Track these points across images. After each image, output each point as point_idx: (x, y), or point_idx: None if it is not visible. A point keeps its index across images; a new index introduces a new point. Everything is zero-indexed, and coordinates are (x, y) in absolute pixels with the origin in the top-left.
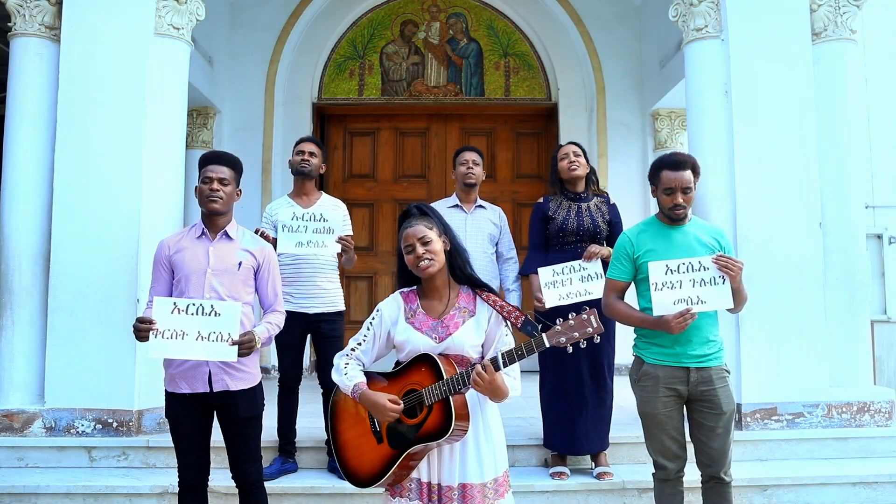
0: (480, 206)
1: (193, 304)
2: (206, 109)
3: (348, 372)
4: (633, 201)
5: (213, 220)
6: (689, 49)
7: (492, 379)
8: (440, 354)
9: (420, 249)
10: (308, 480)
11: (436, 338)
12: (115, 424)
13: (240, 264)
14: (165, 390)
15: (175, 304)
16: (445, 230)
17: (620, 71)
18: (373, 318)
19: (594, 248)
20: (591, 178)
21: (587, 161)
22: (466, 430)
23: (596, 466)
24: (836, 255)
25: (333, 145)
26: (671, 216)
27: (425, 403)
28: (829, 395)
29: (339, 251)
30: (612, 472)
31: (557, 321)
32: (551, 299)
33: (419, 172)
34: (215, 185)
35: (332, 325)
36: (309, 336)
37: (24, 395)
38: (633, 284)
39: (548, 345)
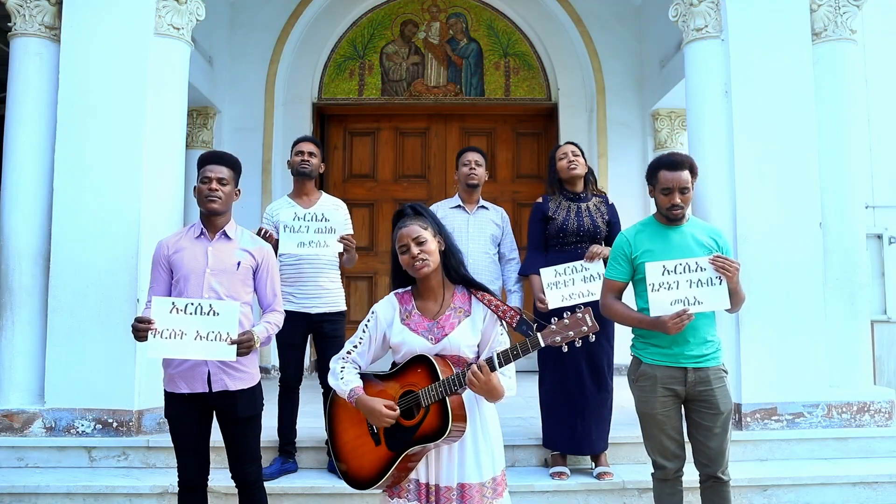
0: (483, 207)
1: (192, 304)
2: (206, 109)
3: (344, 376)
4: (633, 201)
5: (211, 220)
6: (689, 49)
7: (487, 379)
8: (436, 355)
9: (415, 249)
10: (308, 480)
11: (432, 339)
12: (115, 424)
13: (238, 264)
14: (164, 390)
15: (173, 303)
16: (440, 230)
17: (620, 71)
18: (368, 321)
19: (596, 248)
20: (590, 177)
21: (585, 161)
22: (464, 431)
23: (596, 466)
24: (836, 255)
25: (333, 145)
26: (669, 216)
27: (422, 405)
28: (829, 395)
29: (341, 251)
30: (612, 472)
31: (552, 320)
32: (554, 300)
33: (419, 172)
34: (214, 185)
35: (333, 325)
36: (309, 336)
37: (24, 395)
38: (631, 284)
39: (543, 344)
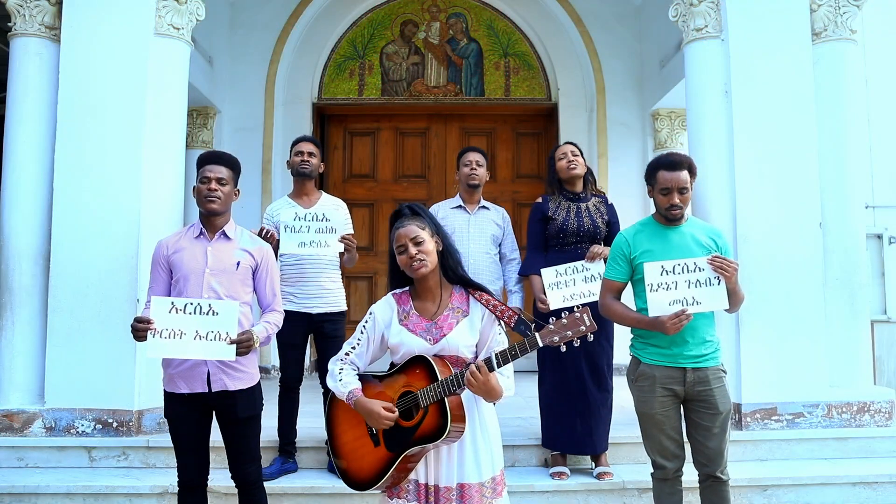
0: (484, 207)
1: (191, 304)
2: (206, 109)
3: (343, 378)
4: (633, 201)
5: (211, 220)
6: (689, 49)
7: (486, 379)
8: (435, 356)
9: (412, 250)
10: (308, 480)
11: (430, 339)
12: (115, 424)
13: (238, 264)
14: (164, 390)
15: (173, 303)
16: (437, 230)
17: (620, 71)
18: (366, 322)
19: (596, 248)
20: (589, 177)
21: (584, 161)
22: (463, 431)
23: (596, 466)
24: (836, 255)
25: (333, 145)
26: (668, 216)
27: (421, 405)
28: (829, 395)
29: (342, 251)
30: (612, 472)
31: (550, 320)
32: (555, 301)
33: (419, 172)
34: (213, 185)
35: (334, 325)
36: (310, 336)
37: (24, 395)
38: (630, 284)
39: (541, 344)
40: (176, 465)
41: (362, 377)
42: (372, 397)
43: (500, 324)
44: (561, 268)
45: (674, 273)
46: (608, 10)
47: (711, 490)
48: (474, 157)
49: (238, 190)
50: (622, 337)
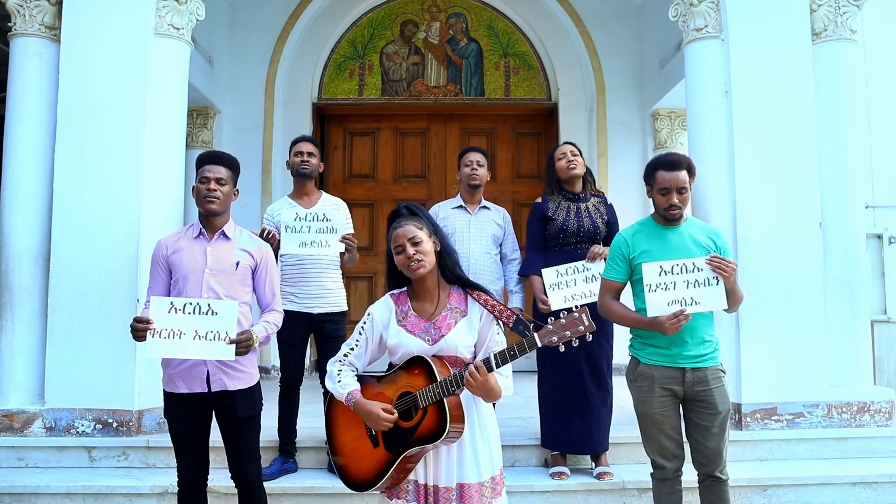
0: (485, 207)
1: (190, 304)
2: (206, 109)
3: (342, 379)
4: (633, 201)
5: (210, 220)
6: (689, 49)
7: (485, 380)
8: (433, 356)
9: (410, 250)
10: (308, 480)
11: (429, 340)
12: (115, 424)
13: (237, 264)
14: (164, 390)
15: (172, 303)
16: (435, 230)
17: (620, 71)
18: (364, 323)
19: (597, 248)
20: (588, 177)
21: (584, 160)
22: (462, 432)
23: (596, 466)
24: (836, 255)
25: (333, 145)
26: (666, 216)
27: (420, 406)
28: (829, 395)
29: (343, 251)
30: (612, 472)
31: (549, 320)
32: (557, 301)
33: (419, 172)
34: (212, 186)
35: (335, 325)
36: (310, 336)
37: (24, 395)
38: (629, 285)
39: (540, 344)
40: (176, 465)
41: (361, 378)
42: (371, 398)
43: (498, 324)
44: (562, 268)
45: (672, 273)
46: (608, 10)
47: (711, 490)
48: (475, 157)
49: (237, 190)
50: (621, 337)
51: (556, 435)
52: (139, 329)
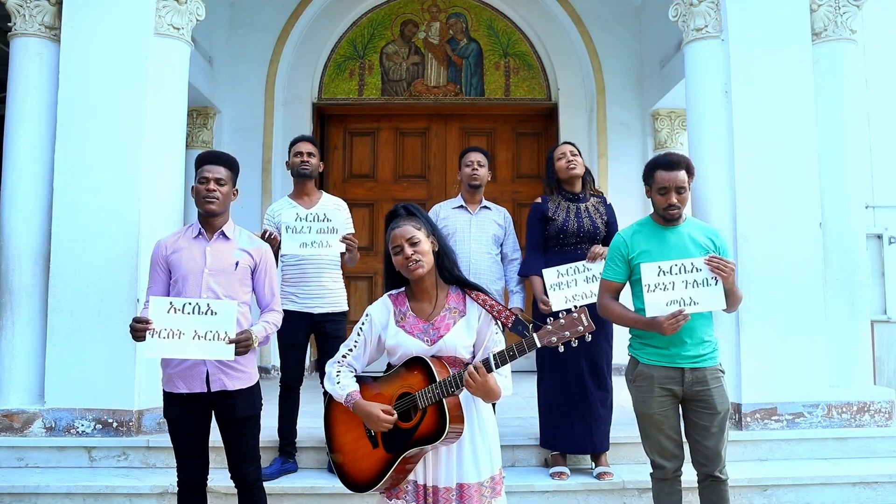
0: (485, 207)
1: (189, 304)
2: (206, 109)
3: (340, 380)
4: (633, 201)
5: (209, 221)
6: (689, 49)
7: (484, 381)
8: (432, 357)
9: (408, 250)
10: (308, 480)
11: (427, 340)
12: (115, 424)
13: (237, 264)
14: (163, 390)
15: (171, 303)
16: (433, 230)
17: (620, 71)
18: (362, 324)
19: (598, 248)
20: (587, 177)
21: (583, 160)
22: (461, 433)
23: (596, 466)
24: (836, 255)
25: (333, 145)
26: (665, 216)
27: (419, 407)
28: (829, 395)
29: (343, 251)
30: (612, 472)
31: (548, 320)
32: (558, 302)
33: (419, 172)
34: (212, 186)
35: (336, 325)
36: (311, 336)
37: (24, 395)
38: (628, 285)
39: (539, 345)
40: (176, 465)
41: (360, 379)
42: (370, 399)
43: (496, 323)
44: (563, 268)
45: (671, 273)
46: (608, 10)
47: (710, 490)
48: (476, 157)
49: (237, 190)
50: (621, 336)
51: (556, 435)
52: (138, 329)
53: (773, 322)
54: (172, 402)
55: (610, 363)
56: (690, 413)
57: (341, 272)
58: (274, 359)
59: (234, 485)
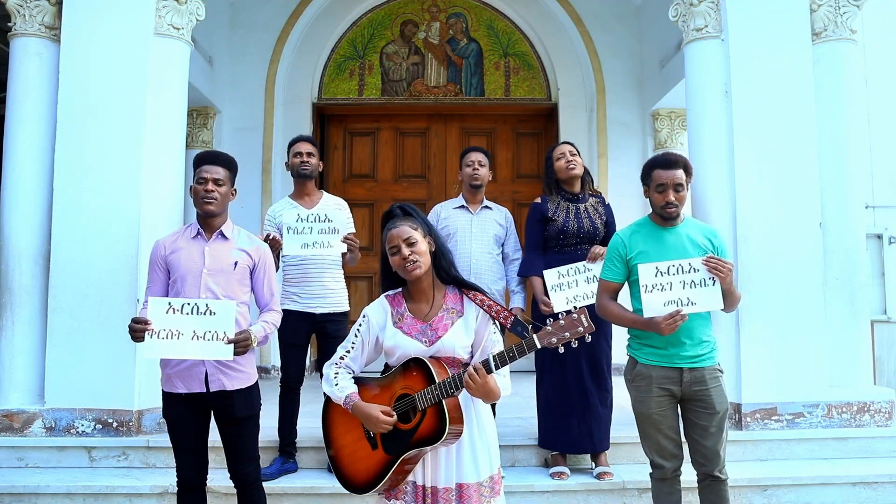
0: (486, 207)
1: (188, 304)
2: (206, 109)
3: (339, 382)
4: (632, 201)
5: (208, 221)
6: (689, 49)
7: (484, 382)
8: (431, 357)
9: (405, 251)
10: (308, 480)
11: (425, 341)
12: (115, 424)
13: (235, 264)
14: (162, 390)
15: (170, 303)
16: (430, 230)
17: (620, 71)
18: (360, 325)
19: (598, 249)
20: (586, 177)
21: (582, 160)
22: (461, 433)
23: (596, 466)
24: (836, 255)
25: (333, 145)
26: (663, 215)
27: (418, 408)
28: (829, 395)
29: (344, 251)
30: (612, 472)
31: (548, 321)
32: (559, 303)
33: (419, 172)
34: (210, 186)
35: (337, 325)
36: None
37: (24, 395)
38: (627, 285)
39: (539, 346)
40: (175, 465)
41: (358, 380)
42: (368, 401)
43: (494, 323)
44: (563, 269)
45: (668, 274)
46: (608, 10)
47: (710, 489)
48: (477, 156)
49: (235, 190)
50: (620, 336)
51: (556, 435)
52: (137, 330)
53: (773, 322)
54: (171, 402)
55: (609, 363)
56: (689, 413)
57: (343, 272)
58: (274, 359)
59: (233, 485)
